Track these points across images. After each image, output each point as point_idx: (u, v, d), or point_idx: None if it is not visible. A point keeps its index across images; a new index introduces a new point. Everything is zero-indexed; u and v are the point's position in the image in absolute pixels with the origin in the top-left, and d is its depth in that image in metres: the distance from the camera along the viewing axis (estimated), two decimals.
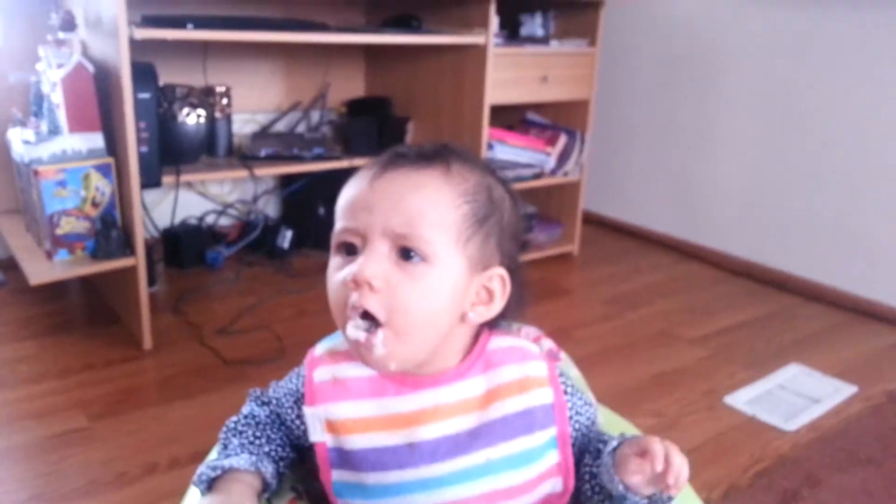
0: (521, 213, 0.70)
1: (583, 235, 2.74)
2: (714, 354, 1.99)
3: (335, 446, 0.66)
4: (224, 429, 0.71)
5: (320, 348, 0.70)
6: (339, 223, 0.64)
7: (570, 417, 0.68)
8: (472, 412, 0.65)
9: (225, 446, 0.69)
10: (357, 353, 0.63)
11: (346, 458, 0.66)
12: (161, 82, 1.95)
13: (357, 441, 0.65)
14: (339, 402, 0.66)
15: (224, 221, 2.57)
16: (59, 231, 1.74)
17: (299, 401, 0.69)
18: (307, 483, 0.75)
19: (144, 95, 1.79)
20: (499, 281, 0.66)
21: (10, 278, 2.12)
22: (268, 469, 0.66)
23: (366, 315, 0.61)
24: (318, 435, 0.66)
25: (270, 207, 2.66)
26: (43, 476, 1.33)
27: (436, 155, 0.65)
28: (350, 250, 0.63)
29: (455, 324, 0.65)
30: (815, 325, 2.23)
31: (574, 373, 0.85)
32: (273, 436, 0.70)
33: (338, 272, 0.63)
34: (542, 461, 0.66)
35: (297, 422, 0.69)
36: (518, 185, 2.36)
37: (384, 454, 0.64)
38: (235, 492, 0.63)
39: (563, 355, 0.85)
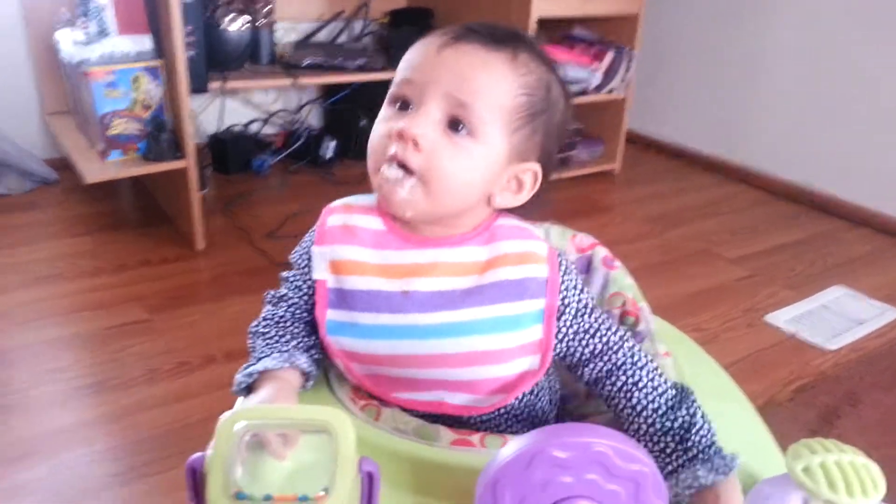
0: (570, 116, 0.71)
1: (625, 154, 2.71)
2: (755, 274, 1.98)
3: (335, 286, 0.68)
4: (249, 334, 0.72)
5: (337, 202, 0.73)
6: (399, 75, 0.66)
7: (562, 294, 0.68)
8: (469, 275, 0.67)
9: (253, 349, 0.71)
10: (382, 191, 0.65)
11: (342, 298, 0.68)
12: None
13: (355, 282, 0.68)
14: (345, 244, 0.69)
15: (268, 130, 2.58)
16: (111, 132, 1.76)
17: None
18: None
19: None
20: (531, 175, 0.68)
21: (62, 177, 2.16)
22: (301, 360, 0.67)
23: (402, 166, 0.63)
24: (321, 272, 0.69)
25: (313, 117, 2.66)
26: (106, 363, 1.39)
27: (506, 39, 0.65)
28: (403, 105, 0.65)
29: (481, 202, 0.67)
30: (859, 248, 2.21)
31: (629, 281, 0.86)
32: (297, 329, 0.71)
33: (386, 122, 0.65)
34: (525, 332, 0.67)
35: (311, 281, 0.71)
36: None
37: (378, 297, 0.67)
38: (274, 390, 0.64)
39: (618, 264, 0.86)
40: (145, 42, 1.76)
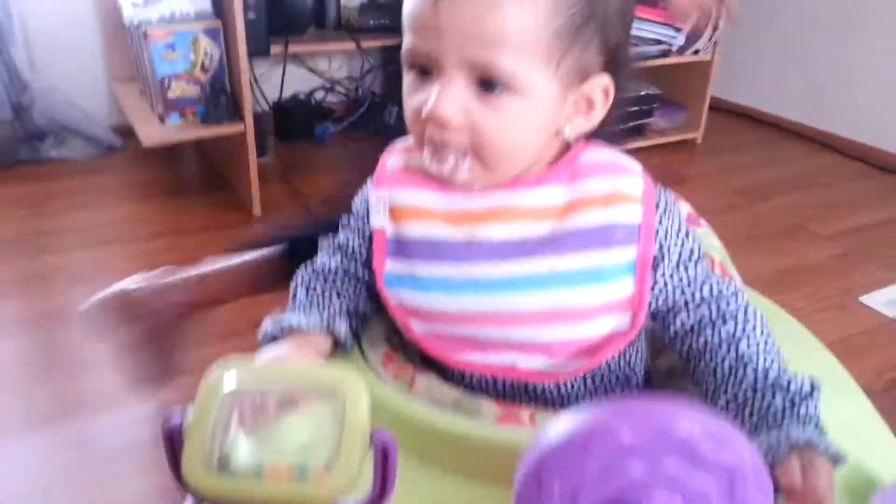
0: None
1: (708, 122, 2.53)
2: (850, 252, 1.83)
3: (393, 236, 0.62)
4: (294, 281, 0.66)
5: (400, 141, 0.65)
6: (407, 40, 0.56)
7: (659, 241, 0.58)
8: (545, 220, 0.58)
9: (294, 296, 0.65)
10: (443, 178, 0.58)
11: (401, 248, 0.61)
12: None
13: (415, 229, 0.61)
14: (405, 188, 0.62)
15: (332, 98, 2.54)
16: (170, 94, 1.74)
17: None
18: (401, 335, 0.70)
19: None
20: (601, 90, 0.57)
21: (127, 144, 2.17)
22: (339, 327, 0.61)
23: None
24: (379, 219, 0.62)
25: (377, 84, 2.60)
26: None
27: None
28: (424, 70, 0.55)
29: (549, 141, 0.58)
30: None
31: (716, 243, 0.76)
32: (344, 289, 0.65)
33: (413, 95, 0.56)
34: (613, 285, 0.57)
35: (369, 230, 0.64)
36: (642, 64, 2.19)
37: (440, 246, 0.60)
38: (296, 348, 0.58)
39: (703, 222, 0.78)
40: (204, 2, 1.73)
